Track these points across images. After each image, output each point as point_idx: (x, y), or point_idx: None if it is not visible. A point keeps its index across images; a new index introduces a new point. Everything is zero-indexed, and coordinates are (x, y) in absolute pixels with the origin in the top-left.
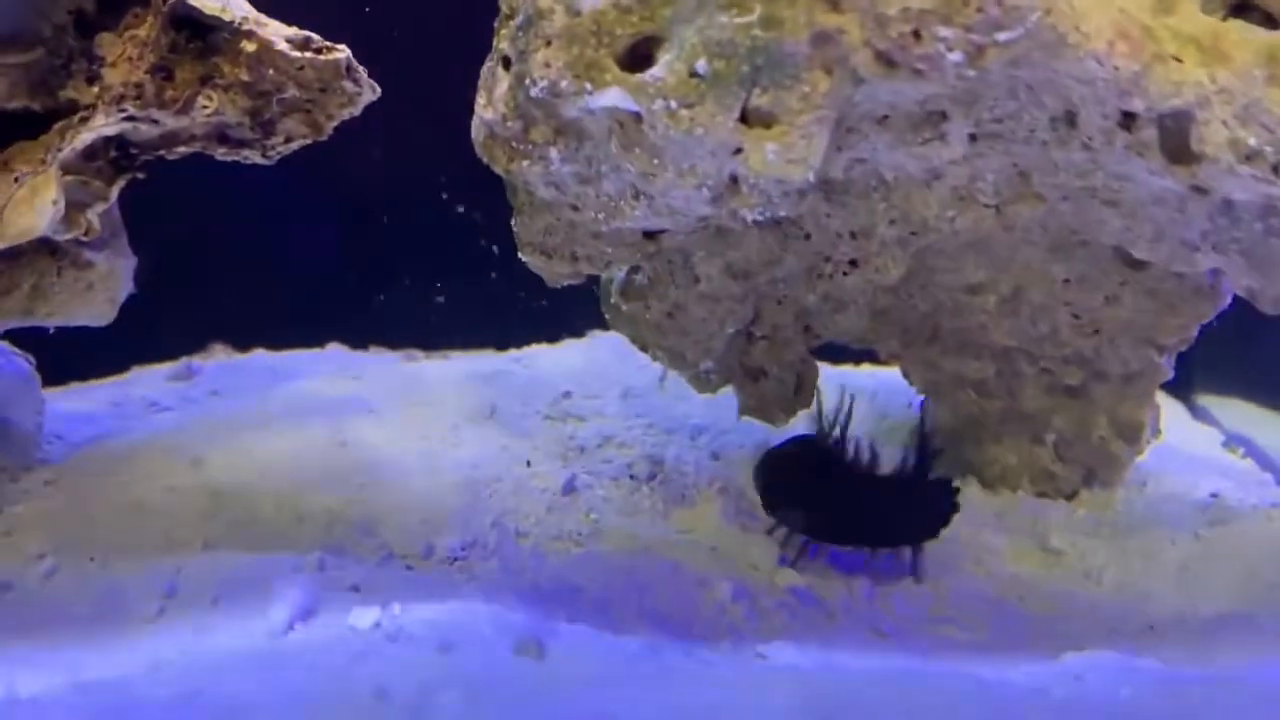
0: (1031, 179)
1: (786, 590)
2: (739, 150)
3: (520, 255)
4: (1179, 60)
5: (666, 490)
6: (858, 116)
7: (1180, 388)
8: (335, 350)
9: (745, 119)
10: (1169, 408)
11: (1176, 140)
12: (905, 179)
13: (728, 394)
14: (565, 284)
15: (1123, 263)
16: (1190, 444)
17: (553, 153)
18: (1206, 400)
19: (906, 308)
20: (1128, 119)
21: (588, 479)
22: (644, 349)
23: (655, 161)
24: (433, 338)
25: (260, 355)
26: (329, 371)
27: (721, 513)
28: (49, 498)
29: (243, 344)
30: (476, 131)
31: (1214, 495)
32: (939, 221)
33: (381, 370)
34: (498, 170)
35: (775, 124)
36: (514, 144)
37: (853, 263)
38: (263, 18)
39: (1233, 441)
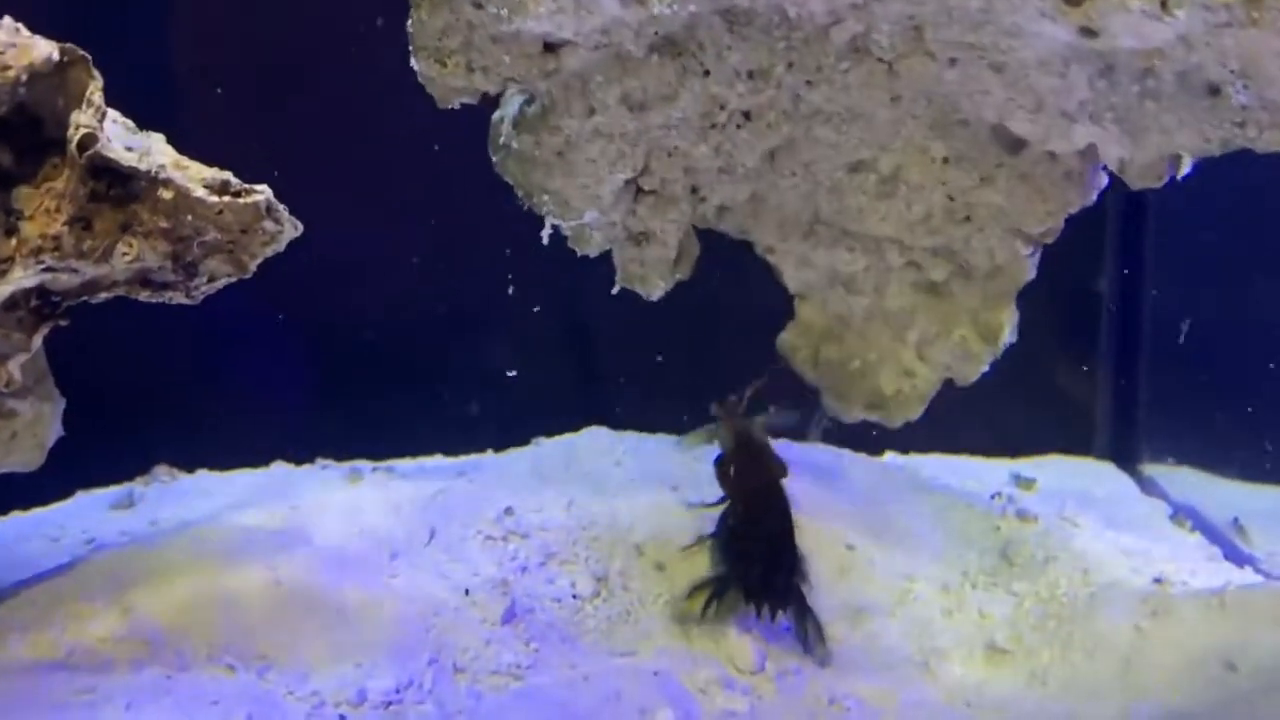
0: (925, 33)
1: (729, 715)
2: None
3: (413, 63)
4: None
5: (610, 608)
6: None
7: (1126, 459)
8: (279, 469)
9: None
10: (1116, 480)
11: None
12: (807, 18)
13: (671, 516)
14: (457, 102)
15: (1000, 146)
16: (1136, 520)
17: None
18: (1154, 470)
19: (787, 188)
20: None
21: (529, 602)
22: (529, 195)
23: None
24: (377, 449)
25: (204, 476)
26: (268, 499)
27: (666, 630)
28: None
29: (187, 464)
30: None
31: (1157, 580)
32: (833, 72)
33: (320, 496)
34: None
35: None
36: None
37: (746, 115)
38: (183, 160)
39: (1180, 514)
